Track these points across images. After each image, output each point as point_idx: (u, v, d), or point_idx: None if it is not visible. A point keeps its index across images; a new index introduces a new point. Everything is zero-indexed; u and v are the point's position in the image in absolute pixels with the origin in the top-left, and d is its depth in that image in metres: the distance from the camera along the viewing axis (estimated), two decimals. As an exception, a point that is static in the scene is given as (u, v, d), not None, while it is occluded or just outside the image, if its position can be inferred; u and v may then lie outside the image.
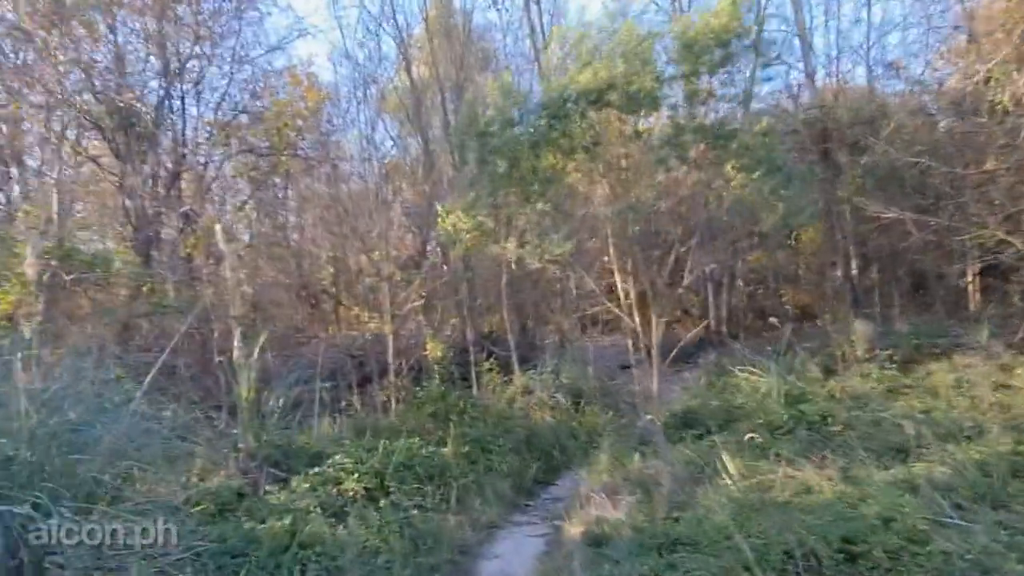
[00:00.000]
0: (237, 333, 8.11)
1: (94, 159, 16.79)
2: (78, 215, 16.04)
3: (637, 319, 6.47)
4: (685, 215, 6.91)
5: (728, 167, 5.80)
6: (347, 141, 20.77)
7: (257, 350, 8.07)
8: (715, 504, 6.28)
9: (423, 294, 11.94)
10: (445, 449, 8.78)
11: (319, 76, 22.46)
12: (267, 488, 7.48)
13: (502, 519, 7.77)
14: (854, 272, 15.43)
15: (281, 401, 8.67)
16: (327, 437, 9.59)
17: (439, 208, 7.80)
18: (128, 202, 15.47)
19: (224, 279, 17.46)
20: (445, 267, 16.56)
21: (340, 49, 33.87)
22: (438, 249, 16.79)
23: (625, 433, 9.86)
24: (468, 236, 6.40)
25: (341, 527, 6.44)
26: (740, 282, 21.04)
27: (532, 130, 5.52)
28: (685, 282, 6.41)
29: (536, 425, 10.68)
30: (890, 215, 12.07)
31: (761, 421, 8.16)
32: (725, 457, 6.80)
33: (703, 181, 6.35)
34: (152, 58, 16.94)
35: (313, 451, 8.58)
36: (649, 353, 6.48)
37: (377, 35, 25.44)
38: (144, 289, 10.07)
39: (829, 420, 8.00)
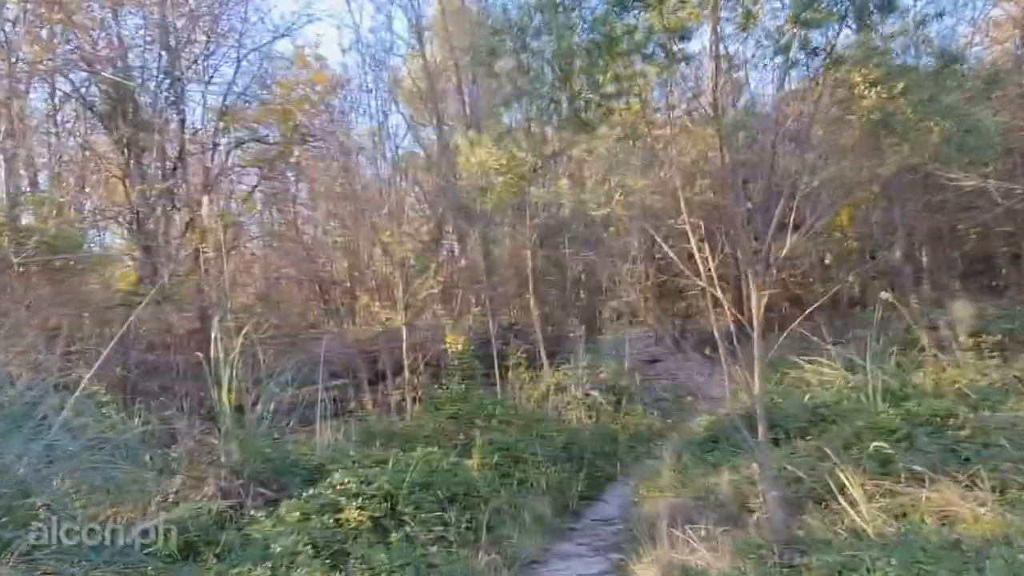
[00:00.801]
0: (216, 324, 6.36)
1: (100, 154, 15.39)
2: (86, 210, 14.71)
3: (719, 294, 4.60)
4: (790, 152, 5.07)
5: (857, 78, 4.00)
6: (358, 127, 19.14)
7: (240, 344, 6.31)
8: (843, 541, 4.43)
9: (440, 279, 10.13)
10: (470, 461, 6.99)
11: (329, 62, 20.79)
12: (253, 513, 5.73)
13: (544, 550, 5.95)
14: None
15: (272, 405, 6.90)
16: (331, 446, 7.82)
17: (460, 140, 5.91)
18: (131, 191, 13.96)
19: (232, 272, 15.85)
20: (463, 261, 14.82)
21: (351, 33, 32.33)
22: (454, 236, 15.04)
23: (682, 437, 7.99)
24: (501, 180, 4.63)
25: (338, 574, 4.67)
26: (773, 268, 19.05)
27: (589, 26, 3.76)
28: (788, 246, 4.55)
29: (572, 428, 8.85)
30: (969, 184, 10.09)
31: (862, 424, 6.26)
32: (843, 473, 4.93)
33: (829, 101, 4.50)
34: (154, 44, 15.45)
35: (313, 464, 6.83)
36: (740, 337, 4.62)
37: (389, 16, 23.74)
38: (118, 276, 8.33)
39: (951, 423, 6.08)
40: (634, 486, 7.06)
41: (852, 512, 4.85)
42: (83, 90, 14.92)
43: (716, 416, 8.58)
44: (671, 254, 4.91)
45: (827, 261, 18.63)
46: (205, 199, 8.11)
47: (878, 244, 14.14)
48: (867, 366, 7.06)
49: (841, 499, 4.97)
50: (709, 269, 4.79)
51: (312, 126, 17.42)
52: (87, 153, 15.42)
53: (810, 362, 9.20)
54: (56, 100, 15.58)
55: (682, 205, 4.52)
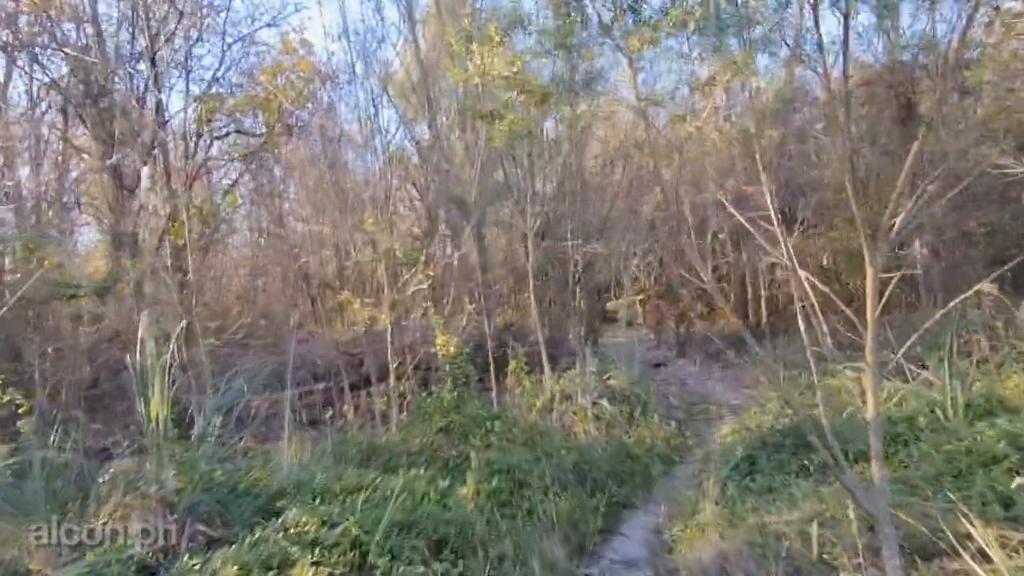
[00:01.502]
0: (143, 319, 4.88)
1: (80, 149, 13.98)
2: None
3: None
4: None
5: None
6: (347, 119, 17.68)
7: (173, 346, 4.84)
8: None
9: (430, 273, 8.68)
10: (464, 488, 5.54)
11: (317, 53, 19.32)
12: (187, 560, 4.27)
13: (556, 608, 4.50)
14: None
15: (220, 418, 5.44)
16: (297, 466, 6.32)
17: (451, 38, 4.38)
18: (107, 184, 12.49)
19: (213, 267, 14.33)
20: (456, 256, 13.38)
21: (340, 23, 30.91)
22: (447, 231, 13.58)
23: (708, 454, 6.58)
24: (516, 98, 3.16)
25: (279, 667, 3.23)
26: (778, 271, 17.71)
27: None
28: (900, 220, 3.14)
29: (583, 444, 7.42)
30: (1019, 171, 8.77)
31: (951, 447, 4.87)
32: (963, 517, 3.54)
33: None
34: (131, 27, 13.99)
35: (271, 491, 5.36)
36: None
37: (379, 3, 22.36)
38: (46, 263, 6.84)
39: (1066, 446, 4.70)
40: (664, 520, 5.63)
41: (983, 573, 3.45)
42: (61, 82, 13.53)
43: (747, 430, 7.19)
44: (749, 227, 3.49)
45: (824, 263, 17.25)
46: (145, 171, 6.65)
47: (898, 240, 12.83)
48: (945, 375, 5.68)
49: (964, 554, 3.58)
50: (788, 247, 3.42)
51: (298, 115, 15.99)
52: (60, 140, 14.00)
53: (844, 368, 7.83)
54: (35, 90, 14.25)
55: (757, 158, 3.15)
